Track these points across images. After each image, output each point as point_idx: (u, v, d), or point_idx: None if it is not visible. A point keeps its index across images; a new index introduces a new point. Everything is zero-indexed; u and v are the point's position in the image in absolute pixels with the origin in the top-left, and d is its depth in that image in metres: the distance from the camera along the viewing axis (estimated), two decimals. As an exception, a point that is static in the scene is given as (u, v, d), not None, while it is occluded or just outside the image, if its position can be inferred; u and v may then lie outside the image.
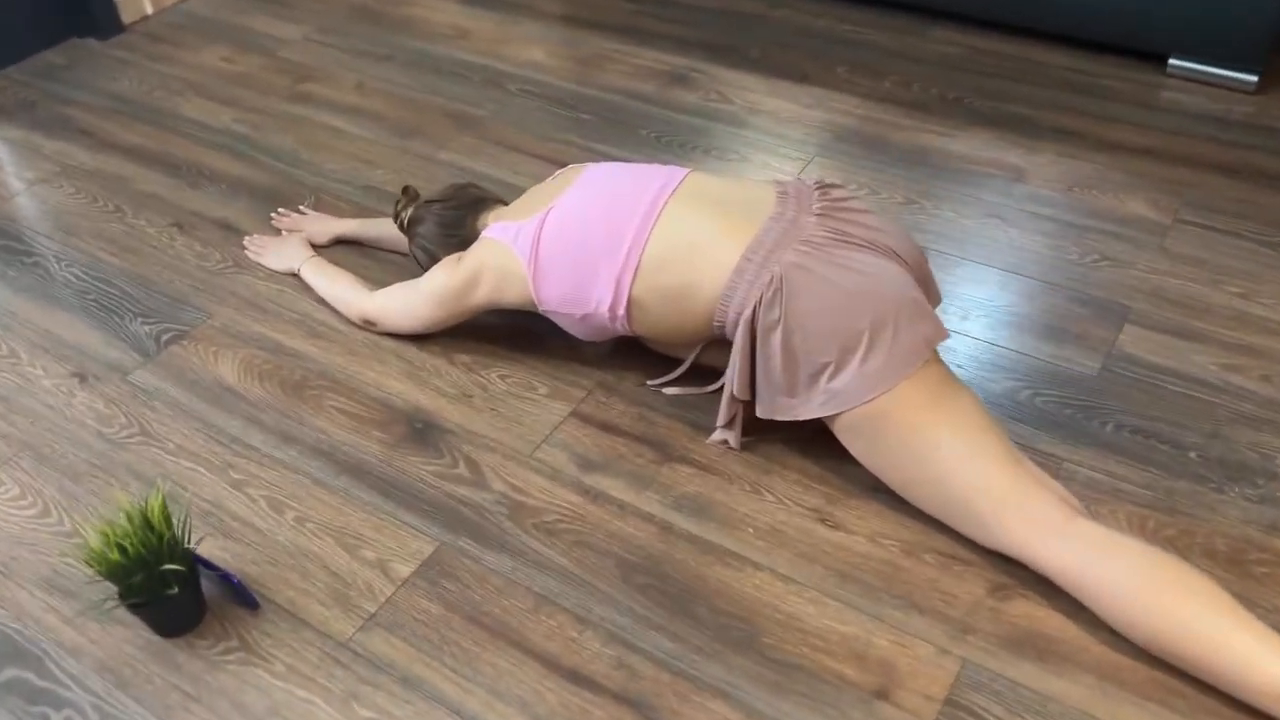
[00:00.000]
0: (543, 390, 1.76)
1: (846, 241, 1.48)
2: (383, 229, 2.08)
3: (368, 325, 1.87)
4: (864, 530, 1.50)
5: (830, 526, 1.51)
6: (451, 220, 1.81)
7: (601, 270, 1.59)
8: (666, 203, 1.58)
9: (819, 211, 1.53)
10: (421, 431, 1.69)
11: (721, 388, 1.68)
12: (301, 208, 2.20)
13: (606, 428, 1.68)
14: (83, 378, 1.82)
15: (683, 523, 1.52)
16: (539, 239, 1.63)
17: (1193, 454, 1.58)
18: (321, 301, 1.94)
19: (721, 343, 1.65)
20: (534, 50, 2.77)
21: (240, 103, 2.60)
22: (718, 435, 1.63)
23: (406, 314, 1.81)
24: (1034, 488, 1.36)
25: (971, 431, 1.40)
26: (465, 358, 1.82)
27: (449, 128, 2.46)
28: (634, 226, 1.57)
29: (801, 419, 1.49)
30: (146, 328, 1.92)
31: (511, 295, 1.70)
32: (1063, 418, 1.65)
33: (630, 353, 1.80)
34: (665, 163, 2.28)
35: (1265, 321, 1.81)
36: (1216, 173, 2.18)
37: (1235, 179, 2.16)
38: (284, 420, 1.72)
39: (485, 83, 2.63)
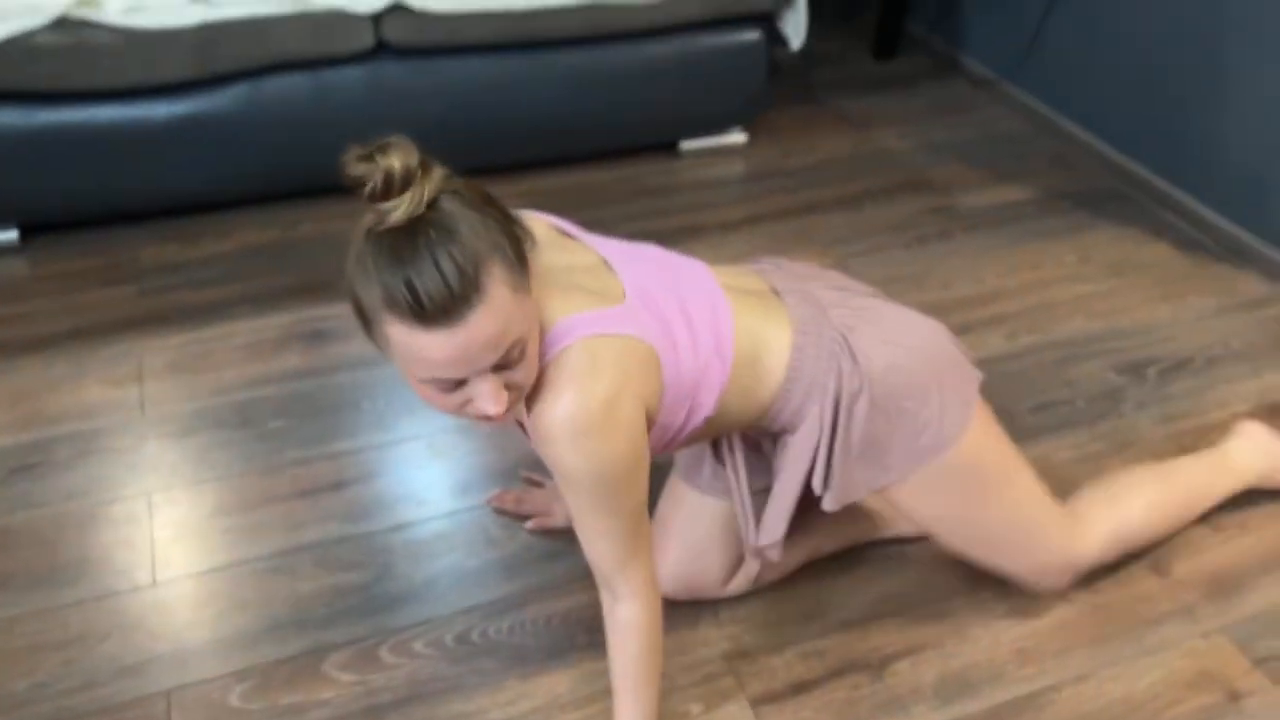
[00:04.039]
0: (697, 708, 1.46)
1: (843, 289, 1.43)
2: None
3: None
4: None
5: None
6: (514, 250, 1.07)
7: (713, 371, 1.27)
8: (719, 287, 1.32)
9: (803, 276, 1.43)
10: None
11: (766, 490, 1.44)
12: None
13: (799, 687, 1.48)
14: None
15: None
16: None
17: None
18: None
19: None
20: (85, 388, 1.97)
21: None
22: (771, 550, 1.41)
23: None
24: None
25: (1017, 453, 1.47)
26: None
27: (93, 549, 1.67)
28: (718, 312, 1.29)
29: (887, 485, 1.39)
30: None
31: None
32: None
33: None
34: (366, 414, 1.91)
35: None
36: (826, 209, 2.51)
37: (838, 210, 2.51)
38: None
39: (58, 464, 1.81)
